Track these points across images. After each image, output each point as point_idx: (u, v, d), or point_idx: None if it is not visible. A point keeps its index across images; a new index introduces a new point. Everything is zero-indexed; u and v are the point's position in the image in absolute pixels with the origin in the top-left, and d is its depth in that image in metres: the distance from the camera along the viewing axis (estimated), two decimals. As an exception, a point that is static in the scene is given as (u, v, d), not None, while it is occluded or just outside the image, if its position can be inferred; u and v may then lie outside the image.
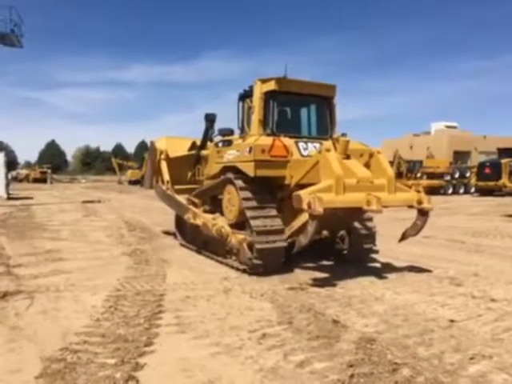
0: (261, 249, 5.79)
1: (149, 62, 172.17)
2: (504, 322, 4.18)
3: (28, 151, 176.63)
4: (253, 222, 5.89)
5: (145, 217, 13.71)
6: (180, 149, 8.88)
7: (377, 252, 6.97)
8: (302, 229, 5.59)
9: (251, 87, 6.76)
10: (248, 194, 6.15)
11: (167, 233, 9.82)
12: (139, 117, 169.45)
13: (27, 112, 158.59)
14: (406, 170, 28.21)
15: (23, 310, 4.49)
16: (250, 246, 5.97)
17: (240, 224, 6.34)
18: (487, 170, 22.66)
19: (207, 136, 7.98)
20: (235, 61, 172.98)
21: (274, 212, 6.10)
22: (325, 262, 6.82)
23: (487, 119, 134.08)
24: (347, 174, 5.50)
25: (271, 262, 5.94)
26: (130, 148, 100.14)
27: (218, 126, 7.71)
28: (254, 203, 6.09)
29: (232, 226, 6.40)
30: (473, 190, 26.46)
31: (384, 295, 5.07)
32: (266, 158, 6.02)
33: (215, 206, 7.32)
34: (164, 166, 8.71)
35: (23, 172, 59.38)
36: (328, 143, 6.05)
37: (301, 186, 5.67)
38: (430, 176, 27.72)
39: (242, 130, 7.00)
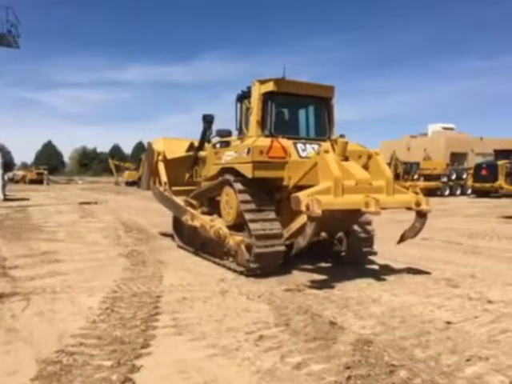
0: (259, 253, 5.78)
1: (147, 62, 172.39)
2: (500, 323, 4.19)
3: (24, 152, 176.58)
4: (252, 226, 5.87)
5: (142, 218, 13.68)
6: (177, 150, 8.85)
7: (375, 254, 6.97)
8: (301, 230, 5.58)
9: (249, 88, 6.74)
10: (246, 196, 6.14)
11: (165, 234, 9.80)
12: (137, 118, 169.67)
13: (24, 112, 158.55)
14: (403, 172, 28.29)
15: (19, 312, 4.46)
16: (248, 248, 5.96)
17: (238, 226, 6.32)
18: (484, 172, 22.72)
19: (205, 137, 7.95)
20: (233, 61, 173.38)
21: (272, 215, 6.09)
22: (323, 264, 6.81)
23: (484, 121, 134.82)
24: (346, 176, 5.50)
25: (269, 266, 5.93)
26: (127, 149, 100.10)
27: (215, 127, 7.70)
28: (252, 205, 6.07)
29: (230, 227, 6.38)
30: (469, 191, 26.54)
31: (381, 297, 5.08)
32: (264, 159, 6.00)
33: (213, 208, 7.30)
34: (161, 167, 8.69)
35: (20, 173, 59.21)
36: (326, 144, 6.05)
37: (299, 188, 5.67)
38: (427, 178, 27.79)
39: (240, 131, 6.99)
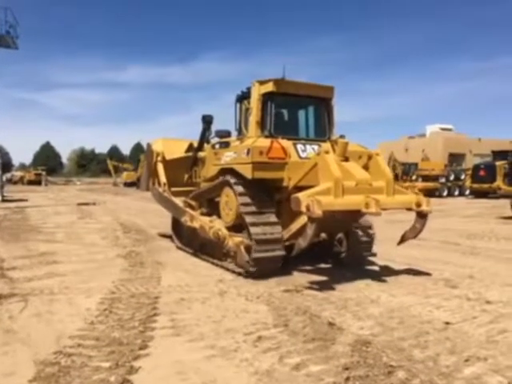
0: (258, 257, 5.75)
1: (145, 63, 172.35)
2: (499, 324, 4.19)
3: (23, 153, 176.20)
4: (252, 230, 5.82)
5: (140, 219, 13.67)
6: (177, 151, 8.82)
7: (374, 255, 6.96)
8: (301, 231, 5.56)
9: (249, 89, 6.72)
10: (246, 197, 6.10)
11: (164, 235, 9.78)
12: (135, 118, 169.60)
13: (22, 113, 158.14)
14: (402, 173, 28.35)
15: (17, 313, 4.45)
16: (248, 249, 5.93)
17: (237, 226, 6.30)
18: (482, 173, 22.78)
19: (204, 138, 7.91)
20: (232, 62, 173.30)
21: (273, 217, 6.05)
22: (322, 265, 6.80)
23: (482, 122, 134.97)
24: (346, 177, 5.48)
25: (268, 269, 5.90)
26: (126, 150, 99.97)
27: (214, 127, 7.67)
28: (251, 207, 6.04)
29: (229, 228, 6.35)
30: (467, 192, 26.60)
31: (380, 298, 5.08)
32: (263, 159, 5.97)
33: (212, 209, 7.28)
34: (160, 168, 8.67)
35: (18, 174, 59.13)
36: (327, 145, 6.02)
37: (299, 189, 5.64)
38: (425, 178, 27.87)
39: (240, 131, 6.96)
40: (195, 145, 8.23)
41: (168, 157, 8.79)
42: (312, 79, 6.79)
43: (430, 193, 23.82)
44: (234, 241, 6.07)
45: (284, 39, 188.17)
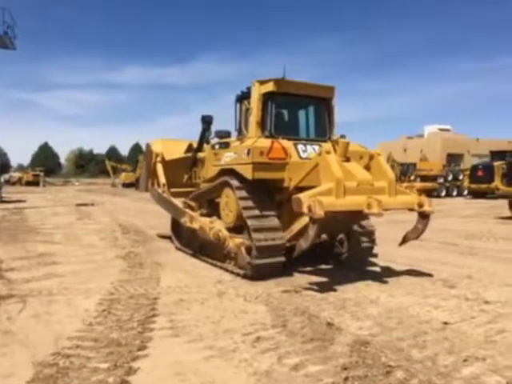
0: (258, 264, 5.70)
1: (144, 64, 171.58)
2: (497, 323, 4.20)
3: (21, 154, 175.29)
4: (254, 235, 5.76)
5: (139, 220, 13.66)
6: (176, 151, 8.79)
7: (376, 256, 6.93)
8: (302, 232, 5.52)
9: (249, 89, 6.68)
10: (246, 198, 6.06)
11: (163, 236, 9.77)
12: (134, 119, 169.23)
13: (20, 114, 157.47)
14: (400, 173, 28.37)
15: (15, 314, 4.44)
16: (248, 250, 5.89)
17: (238, 228, 6.26)
18: (480, 173, 22.83)
19: (204, 138, 7.88)
20: (231, 62, 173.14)
21: (275, 221, 6.00)
22: (322, 266, 6.77)
23: (480, 122, 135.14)
24: (347, 177, 5.44)
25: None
26: (124, 151, 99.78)
27: (214, 128, 7.64)
28: (252, 209, 5.99)
29: (229, 229, 6.32)
30: (466, 192, 26.64)
31: (378, 298, 5.08)
32: (264, 160, 5.93)
33: (212, 210, 7.23)
34: (160, 168, 8.63)
35: (16, 175, 58.98)
36: (328, 145, 5.98)
37: (300, 189, 5.60)
38: (424, 179, 27.93)
39: (240, 132, 6.92)
40: (195, 145, 8.20)
41: (167, 157, 8.76)
42: (311, 79, 6.79)
43: (428, 193, 23.78)
44: (234, 242, 6.04)
45: (283, 39, 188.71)
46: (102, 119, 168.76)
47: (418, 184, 26.13)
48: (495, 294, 5.21)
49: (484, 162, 25.90)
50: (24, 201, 22.44)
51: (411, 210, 5.86)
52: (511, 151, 23.27)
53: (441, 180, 28.23)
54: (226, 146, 6.90)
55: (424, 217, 5.88)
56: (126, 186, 43.71)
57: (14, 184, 52.12)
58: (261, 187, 6.18)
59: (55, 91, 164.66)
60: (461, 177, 28.67)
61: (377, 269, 6.69)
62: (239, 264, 6.15)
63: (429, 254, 7.82)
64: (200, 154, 8.03)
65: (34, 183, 50.58)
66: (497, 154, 23.73)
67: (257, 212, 5.98)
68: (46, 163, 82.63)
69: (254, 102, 6.43)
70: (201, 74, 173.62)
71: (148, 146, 9.47)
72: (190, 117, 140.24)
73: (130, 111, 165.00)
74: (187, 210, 7.43)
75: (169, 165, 8.69)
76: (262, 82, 6.46)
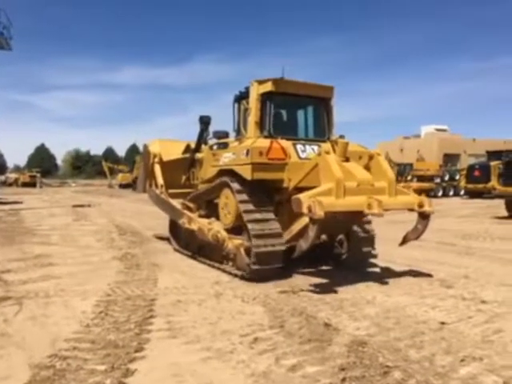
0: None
1: (141, 64, 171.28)
2: (494, 323, 4.21)
3: (17, 155, 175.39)
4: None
5: (136, 221, 13.63)
6: (174, 152, 8.75)
7: (375, 256, 6.92)
8: (301, 233, 5.49)
9: (247, 88, 6.65)
10: (245, 198, 6.02)
11: (161, 238, 9.74)
12: (130, 120, 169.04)
13: (17, 115, 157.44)
14: (397, 173, 28.41)
15: (12, 316, 4.42)
16: (248, 251, 5.86)
17: (237, 229, 6.23)
18: (476, 173, 22.87)
19: (202, 139, 7.83)
20: (228, 63, 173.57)
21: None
22: (321, 267, 6.75)
23: (476, 122, 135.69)
24: (347, 177, 5.41)
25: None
26: (121, 151, 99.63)
27: (211, 128, 7.57)
28: (251, 208, 5.95)
29: (228, 230, 6.29)
30: (462, 192, 26.71)
31: (376, 298, 5.09)
32: (263, 160, 5.88)
33: (211, 211, 7.18)
34: (157, 169, 8.60)
35: (12, 176, 58.79)
36: (327, 145, 5.95)
37: (299, 190, 5.58)
38: (421, 179, 28.00)
39: (238, 132, 6.88)
40: (193, 146, 8.16)
41: (165, 158, 8.73)
42: (309, 80, 6.69)
43: (424, 193, 23.88)
44: (233, 243, 6.01)
45: (281, 40, 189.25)
46: (98, 120, 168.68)
47: (415, 184, 26.16)
48: (492, 294, 5.23)
49: (480, 161, 25.96)
50: (20, 202, 22.35)
51: (411, 210, 5.83)
52: (507, 151, 23.28)
53: (437, 180, 28.31)
54: (224, 146, 6.85)
55: (424, 217, 5.85)
56: (123, 186, 43.63)
57: (10, 185, 51.97)
58: (260, 188, 6.14)
59: (52, 92, 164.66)
60: (457, 177, 28.74)
61: (375, 269, 6.69)
62: (238, 265, 6.12)
63: (426, 254, 7.84)
64: (198, 155, 7.98)
65: (31, 184, 50.41)
66: (493, 154, 23.78)
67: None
68: (42, 164, 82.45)
69: (253, 102, 6.39)
70: (198, 75, 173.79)
71: (145, 146, 9.45)
72: (187, 117, 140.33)
73: (126, 112, 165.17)
74: (185, 211, 7.39)
75: (167, 166, 8.66)
76: (260, 82, 6.42)
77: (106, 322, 4.21)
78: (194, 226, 6.89)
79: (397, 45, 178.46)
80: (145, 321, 4.24)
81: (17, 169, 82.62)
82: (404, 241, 6.15)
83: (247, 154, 5.94)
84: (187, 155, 8.38)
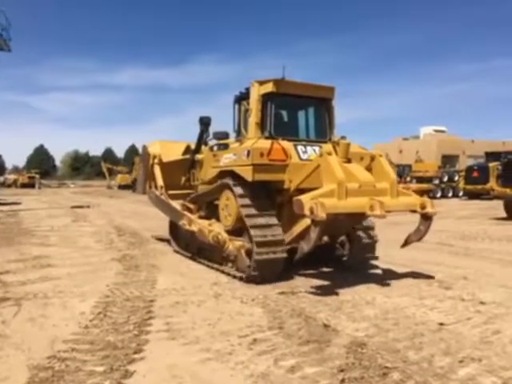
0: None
1: (139, 65, 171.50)
2: (493, 324, 4.22)
3: (16, 156, 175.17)
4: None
5: (135, 222, 13.61)
6: (173, 153, 8.73)
7: (376, 258, 6.86)
8: (302, 235, 5.46)
9: (247, 89, 6.62)
10: (246, 200, 5.96)
11: (160, 239, 9.72)
12: (129, 121, 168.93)
13: (15, 116, 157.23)
14: (396, 174, 28.43)
15: (10, 318, 4.41)
16: (248, 253, 5.82)
17: (237, 230, 6.19)
18: (475, 174, 22.86)
19: (202, 140, 7.80)
20: (227, 64, 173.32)
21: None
22: (321, 268, 6.72)
23: (475, 123, 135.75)
24: (349, 178, 5.37)
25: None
26: (120, 152, 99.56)
27: (211, 129, 7.54)
28: (252, 210, 5.90)
29: (229, 232, 6.26)
30: (461, 193, 26.74)
31: (375, 299, 5.09)
32: (264, 161, 5.84)
33: (211, 212, 7.15)
34: (157, 170, 8.57)
35: (11, 177, 58.63)
36: (329, 146, 5.92)
37: (300, 191, 5.55)
38: (419, 180, 28.04)
39: (239, 133, 6.85)
40: (192, 147, 8.13)
41: (165, 159, 8.70)
42: (307, 80, 6.66)
43: (423, 194, 23.92)
44: (234, 245, 5.99)
45: (279, 41, 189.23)
46: (97, 121, 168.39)
47: (414, 185, 26.19)
48: (490, 295, 5.23)
49: (479, 163, 25.94)
50: (19, 203, 22.32)
51: (413, 211, 5.78)
52: (506, 152, 23.32)
53: (436, 181, 28.35)
54: (224, 147, 6.80)
55: (426, 218, 5.80)
56: (122, 187, 43.58)
57: (9, 186, 51.86)
58: (261, 189, 6.10)
59: (50, 93, 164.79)
60: (456, 178, 28.78)
61: (375, 270, 6.69)
62: (239, 267, 6.08)
63: (426, 255, 7.84)
64: (198, 156, 7.95)
65: (30, 185, 50.32)
66: (492, 155, 23.80)
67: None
68: (41, 165, 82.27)
69: (254, 103, 6.36)
70: (197, 76, 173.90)
71: (145, 147, 9.42)
72: (185, 118, 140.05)
73: (125, 113, 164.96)
74: (186, 213, 7.36)
75: (166, 167, 8.63)
76: (261, 83, 6.39)
77: (105, 324, 4.20)
78: (194, 228, 6.86)
79: (395, 46, 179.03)
80: (144, 322, 4.24)
81: (16, 170, 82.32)
82: (406, 242, 6.09)
83: (248, 154, 5.90)
84: (187, 156, 8.35)
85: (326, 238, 6.66)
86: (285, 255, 5.77)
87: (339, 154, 5.88)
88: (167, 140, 9.37)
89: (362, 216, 5.49)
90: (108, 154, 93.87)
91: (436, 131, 43.69)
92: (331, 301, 5.00)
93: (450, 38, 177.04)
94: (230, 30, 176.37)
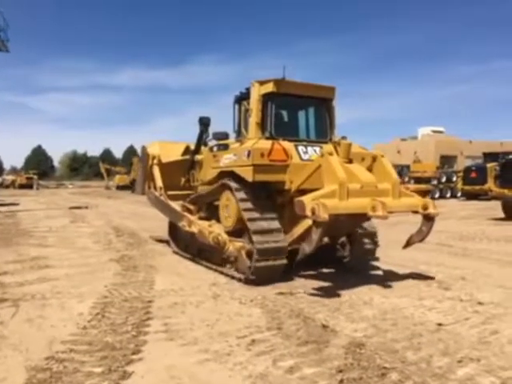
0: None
1: (138, 66, 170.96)
2: (491, 324, 4.23)
3: (14, 157, 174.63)
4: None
5: (133, 222, 13.59)
6: (173, 154, 8.70)
7: (377, 259, 6.85)
8: (303, 236, 5.43)
9: (248, 89, 6.59)
10: (247, 201, 5.93)
11: (159, 240, 9.71)
12: (128, 122, 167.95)
13: (13, 117, 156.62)
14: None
15: (8, 319, 4.40)
16: (249, 254, 5.79)
17: (237, 231, 6.15)
18: (473, 175, 22.92)
19: (201, 140, 7.77)
20: (226, 64, 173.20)
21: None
22: (321, 269, 6.70)
23: (473, 124, 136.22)
24: (351, 179, 5.34)
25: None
26: (118, 153, 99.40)
27: (211, 129, 7.51)
28: (253, 211, 5.85)
29: (229, 233, 6.23)
30: (459, 194, 26.77)
31: (373, 300, 5.09)
32: (265, 162, 5.80)
33: (211, 213, 7.11)
34: (156, 171, 8.55)
35: (9, 178, 58.48)
36: (329, 147, 5.89)
37: (301, 192, 5.53)
38: (418, 180, 28.04)
39: (239, 133, 6.82)
40: (192, 147, 8.10)
41: (164, 160, 8.67)
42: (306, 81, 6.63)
43: (422, 195, 23.94)
44: (234, 246, 5.96)
45: (278, 41, 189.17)
46: (96, 122, 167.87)
47: (412, 186, 26.19)
48: (489, 295, 5.24)
49: (477, 163, 26.03)
50: (17, 204, 22.26)
51: (415, 212, 5.75)
52: (504, 153, 23.40)
53: (434, 182, 28.36)
54: (224, 147, 6.77)
55: (429, 219, 5.78)
56: (120, 188, 43.52)
57: (7, 187, 51.74)
58: (261, 190, 6.07)
59: (48, 94, 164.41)
60: (454, 178, 28.81)
61: (374, 271, 6.68)
62: (239, 268, 6.04)
63: (425, 256, 7.84)
64: (198, 156, 7.91)
65: (28, 186, 50.19)
66: (490, 156, 23.86)
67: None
68: (39, 166, 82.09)
69: (254, 103, 6.33)
70: (196, 76, 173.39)
71: (144, 148, 9.39)
72: (184, 119, 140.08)
73: (124, 114, 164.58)
74: (185, 214, 7.32)
75: (166, 167, 8.60)
76: (261, 83, 6.36)
77: (103, 324, 4.19)
78: (194, 229, 6.83)
79: (395, 46, 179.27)
80: (142, 323, 4.23)
81: (13, 170, 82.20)
82: (408, 243, 6.05)
83: (248, 155, 5.87)
84: (187, 157, 8.32)
85: (326, 239, 6.59)
86: (285, 261, 5.74)
87: (340, 154, 5.85)
88: (166, 141, 9.36)
89: (363, 217, 5.45)
90: (106, 155, 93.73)
91: (434, 132, 43.72)
92: (330, 301, 4.99)
93: (450, 38, 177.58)
94: (229, 30, 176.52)
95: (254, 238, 5.64)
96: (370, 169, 6.08)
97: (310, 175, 5.75)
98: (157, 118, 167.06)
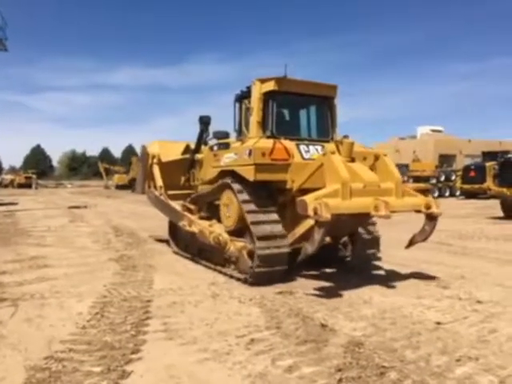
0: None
1: (136, 65, 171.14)
2: (490, 323, 4.23)
3: (13, 156, 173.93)
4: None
5: (132, 222, 13.59)
6: (173, 153, 8.67)
7: (379, 258, 6.81)
8: (305, 236, 5.40)
9: (249, 88, 6.53)
10: (249, 202, 5.87)
11: (158, 239, 9.70)
12: (127, 121, 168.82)
13: (12, 116, 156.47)
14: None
15: (7, 318, 4.40)
16: (250, 254, 5.74)
17: (238, 231, 6.11)
18: (472, 173, 22.90)
19: (202, 139, 7.72)
20: (225, 63, 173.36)
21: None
22: (322, 268, 6.67)
23: (472, 123, 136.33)
24: (353, 178, 5.29)
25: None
26: (117, 152, 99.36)
27: (211, 128, 7.46)
28: (254, 209, 5.81)
29: (230, 232, 6.18)
30: (458, 193, 26.79)
31: (372, 298, 5.09)
32: (266, 161, 5.74)
33: (212, 212, 7.07)
34: (156, 170, 8.52)
35: (8, 177, 58.44)
36: (331, 145, 5.84)
37: (303, 191, 5.49)
38: (417, 179, 28.07)
39: (240, 132, 6.77)
40: (192, 146, 8.07)
41: (164, 159, 8.64)
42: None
43: (420, 194, 23.93)
44: (235, 246, 5.92)
45: (277, 40, 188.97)
46: (94, 121, 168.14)
47: (411, 185, 26.21)
48: (487, 294, 5.25)
49: (476, 162, 26.01)
50: (16, 203, 22.24)
51: (418, 211, 5.71)
52: (503, 152, 23.41)
53: (433, 181, 28.41)
54: (225, 146, 6.71)
55: (432, 219, 5.74)
56: (119, 187, 43.51)
57: (6, 186, 51.72)
58: (263, 189, 6.02)
59: (47, 93, 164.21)
60: (453, 177, 28.82)
61: (376, 271, 6.66)
62: (240, 268, 6.00)
63: (425, 255, 7.83)
64: (198, 156, 7.87)
65: (27, 185, 50.15)
66: (488, 155, 23.87)
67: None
68: (38, 165, 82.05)
69: (255, 102, 6.28)
70: (195, 75, 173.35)
71: (144, 147, 9.37)
72: (184, 118, 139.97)
73: (122, 113, 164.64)
74: (186, 213, 7.28)
75: (166, 167, 8.57)
76: (262, 81, 6.30)
77: (102, 324, 4.19)
78: (194, 229, 6.79)
79: (392, 45, 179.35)
80: (141, 322, 4.23)
81: (12, 170, 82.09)
82: (411, 243, 6.01)
83: (249, 154, 5.82)
84: (187, 156, 8.28)
85: (328, 239, 6.52)
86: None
87: (343, 153, 5.79)
88: (166, 140, 9.34)
89: (366, 216, 5.42)
90: (105, 154, 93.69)
91: (433, 131, 43.74)
92: (329, 300, 5.00)
93: (448, 37, 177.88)
94: (229, 28, 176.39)
95: (257, 243, 5.58)
96: (372, 168, 6.02)
97: (312, 174, 5.71)
98: (156, 117, 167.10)
